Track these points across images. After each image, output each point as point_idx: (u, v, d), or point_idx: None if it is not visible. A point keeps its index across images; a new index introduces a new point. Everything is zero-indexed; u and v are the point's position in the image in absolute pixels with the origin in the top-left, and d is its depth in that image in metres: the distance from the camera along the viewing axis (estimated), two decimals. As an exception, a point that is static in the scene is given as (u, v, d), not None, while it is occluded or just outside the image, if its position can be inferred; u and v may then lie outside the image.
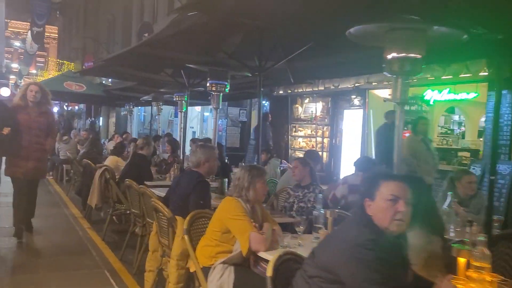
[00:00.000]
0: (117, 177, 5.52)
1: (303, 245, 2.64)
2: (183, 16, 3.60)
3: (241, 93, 10.24)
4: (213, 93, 5.25)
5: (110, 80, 18.26)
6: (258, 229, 2.56)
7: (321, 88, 9.66)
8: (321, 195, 2.90)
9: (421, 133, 5.72)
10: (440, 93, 7.12)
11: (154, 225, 3.54)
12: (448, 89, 7.06)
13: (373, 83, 8.30)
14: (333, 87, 9.30)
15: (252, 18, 4.00)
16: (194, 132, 16.76)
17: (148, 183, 5.17)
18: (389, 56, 2.91)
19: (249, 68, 4.96)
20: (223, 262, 2.53)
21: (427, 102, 7.61)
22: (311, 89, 10.08)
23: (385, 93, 8.77)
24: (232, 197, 2.67)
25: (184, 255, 3.04)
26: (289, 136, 11.36)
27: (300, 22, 3.90)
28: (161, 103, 9.88)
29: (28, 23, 33.75)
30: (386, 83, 8.09)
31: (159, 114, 10.32)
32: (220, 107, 5.41)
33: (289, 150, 11.27)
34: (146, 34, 15.79)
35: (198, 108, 16.69)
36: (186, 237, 2.75)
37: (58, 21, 36.50)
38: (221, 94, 5.27)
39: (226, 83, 5.21)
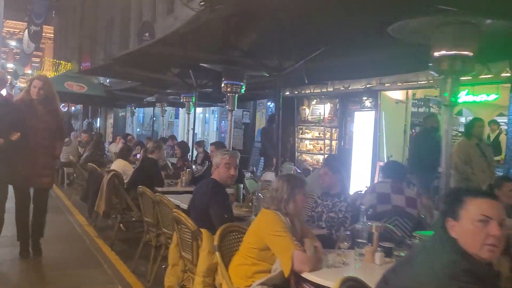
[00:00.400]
0: (124, 181, 5.25)
1: (348, 264, 2.38)
2: (209, 9, 3.33)
3: (247, 95, 9.98)
4: (229, 94, 5.00)
5: (108, 80, 17.96)
6: (299, 246, 2.29)
7: (330, 89, 9.40)
8: (363, 206, 2.64)
9: (475, 137, 5.19)
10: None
11: (174, 237, 3.26)
12: (466, 91, 6.83)
13: (386, 84, 8.05)
14: (343, 88, 9.04)
15: (278, 10, 3.76)
16: (195, 134, 16.48)
17: (159, 189, 4.90)
18: (437, 54, 2.66)
19: (267, 68, 4.70)
20: (262, 284, 2.26)
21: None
22: (319, 90, 9.82)
23: (397, 94, 8.55)
24: (270, 210, 2.40)
25: (211, 271, 2.76)
26: (296, 139, 11.09)
27: (330, 17, 3.65)
28: (165, 104, 9.60)
29: (24, 23, 33.27)
30: (400, 84, 7.86)
31: (163, 116, 10.02)
32: (236, 108, 5.14)
33: (296, 153, 11.00)
34: (146, 34, 15.51)
35: (198, 110, 16.40)
36: (217, 254, 2.48)
37: (53, 21, 36.08)
38: (237, 95, 5.02)
39: (242, 83, 4.96)
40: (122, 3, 21.47)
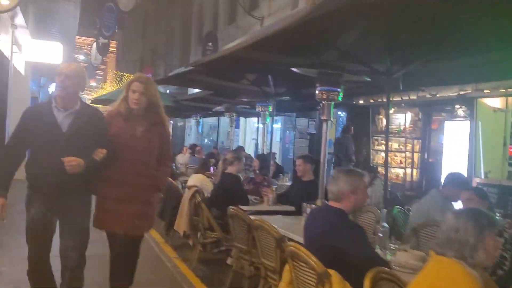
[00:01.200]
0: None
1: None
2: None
3: (313, 103, 9.41)
4: (323, 102, 4.39)
5: (168, 91, 18.07)
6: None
7: (413, 97, 8.52)
8: None
9: None
10: None
11: (286, 275, 2.70)
12: None
13: (485, 91, 7.10)
14: (429, 96, 8.16)
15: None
16: (256, 144, 16.08)
17: (244, 208, 4.39)
18: None
19: (374, 71, 4.06)
20: None
21: None
22: (399, 98, 8.97)
23: (495, 102, 7.55)
24: (449, 259, 1.75)
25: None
26: (370, 150, 10.29)
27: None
28: (234, 114, 9.21)
29: (90, 38, 35.01)
30: (504, 90, 6.91)
31: (232, 126, 9.65)
32: (331, 118, 4.53)
33: (370, 165, 10.19)
34: (210, 44, 15.41)
35: (254, 119, 15.99)
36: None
37: (117, 35, 37.72)
38: (333, 103, 4.41)
39: (340, 89, 4.35)
40: (182, 16, 21.78)
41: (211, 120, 18.34)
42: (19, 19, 7.65)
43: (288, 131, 13.69)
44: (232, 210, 3.74)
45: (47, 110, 2.80)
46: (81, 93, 3.03)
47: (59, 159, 2.63)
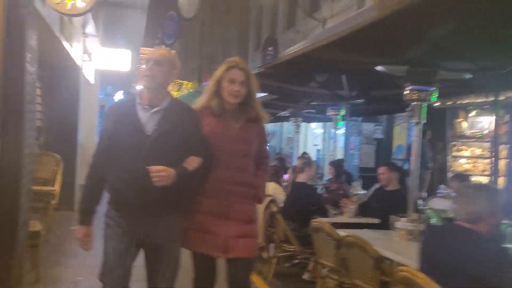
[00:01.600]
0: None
1: None
2: None
3: (381, 107, 8.85)
4: (415, 103, 3.93)
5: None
6: None
7: (502, 97, 7.68)
8: None
9: None
10: None
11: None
12: None
13: None
14: (521, 96, 7.30)
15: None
16: (318, 150, 15.56)
17: (324, 219, 4.01)
18: None
19: (481, 68, 3.54)
20: None
21: None
22: (484, 99, 8.14)
23: None
24: None
25: None
26: (447, 157, 9.48)
27: None
28: (300, 119, 8.86)
29: (152, 49, 36.48)
30: None
31: (297, 131, 9.30)
32: (423, 121, 4.05)
33: (447, 173, 9.38)
34: (270, 48, 15.21)
35: (313, 124, 15.50)
36: None
37: (175, 45, 38.94)
38: (426, 104, 3.92)
39: (434, 88, 3.86)
40: (239, 22, 21.87)
41: (269, 126, 18.13)
42: (90, 28, 7.84)
43: (353, 136, 13.09)
44: (316, 223, 3.39)
45: (130, 109, 2.28)
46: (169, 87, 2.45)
47: (143, 168, 2.09)
